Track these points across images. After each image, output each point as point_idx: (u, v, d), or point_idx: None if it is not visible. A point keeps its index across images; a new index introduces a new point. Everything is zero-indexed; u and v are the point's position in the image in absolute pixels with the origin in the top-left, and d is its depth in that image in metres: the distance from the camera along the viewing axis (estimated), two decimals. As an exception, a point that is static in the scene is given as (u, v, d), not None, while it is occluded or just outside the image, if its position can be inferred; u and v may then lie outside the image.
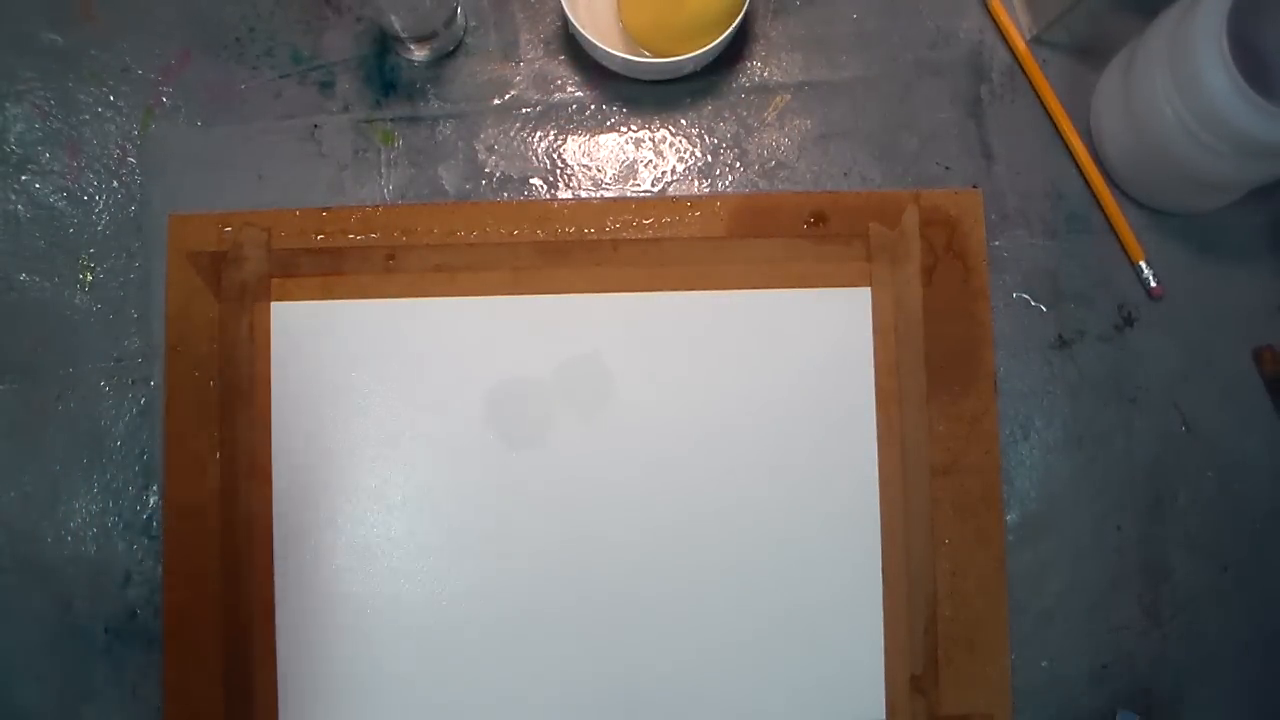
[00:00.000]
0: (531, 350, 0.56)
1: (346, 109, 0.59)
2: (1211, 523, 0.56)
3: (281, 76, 0.59)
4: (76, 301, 0.58)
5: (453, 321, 0.56)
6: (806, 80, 0.59)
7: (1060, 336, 0.57)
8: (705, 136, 0.59)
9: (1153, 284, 0.56)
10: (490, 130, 0.59)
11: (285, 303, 0.57)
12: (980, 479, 0.55)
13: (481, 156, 0.59)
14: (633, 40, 0.58)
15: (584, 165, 0.59)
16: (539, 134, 0.59)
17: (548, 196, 0.58)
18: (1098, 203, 0.57)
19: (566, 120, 0.59)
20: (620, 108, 0.59)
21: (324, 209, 0.57)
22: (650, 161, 0.59)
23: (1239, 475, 0.56)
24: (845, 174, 0.58)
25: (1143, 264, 0.57)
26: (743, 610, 0.55)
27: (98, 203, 0.58)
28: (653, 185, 0.58)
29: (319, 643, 0.55)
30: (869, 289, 0.56)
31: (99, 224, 0.58)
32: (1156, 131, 0.51)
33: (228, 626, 0.55)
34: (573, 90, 0.59)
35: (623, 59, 0.54)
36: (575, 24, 0.54)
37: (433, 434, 0.56)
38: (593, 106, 0.59)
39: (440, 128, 0.59)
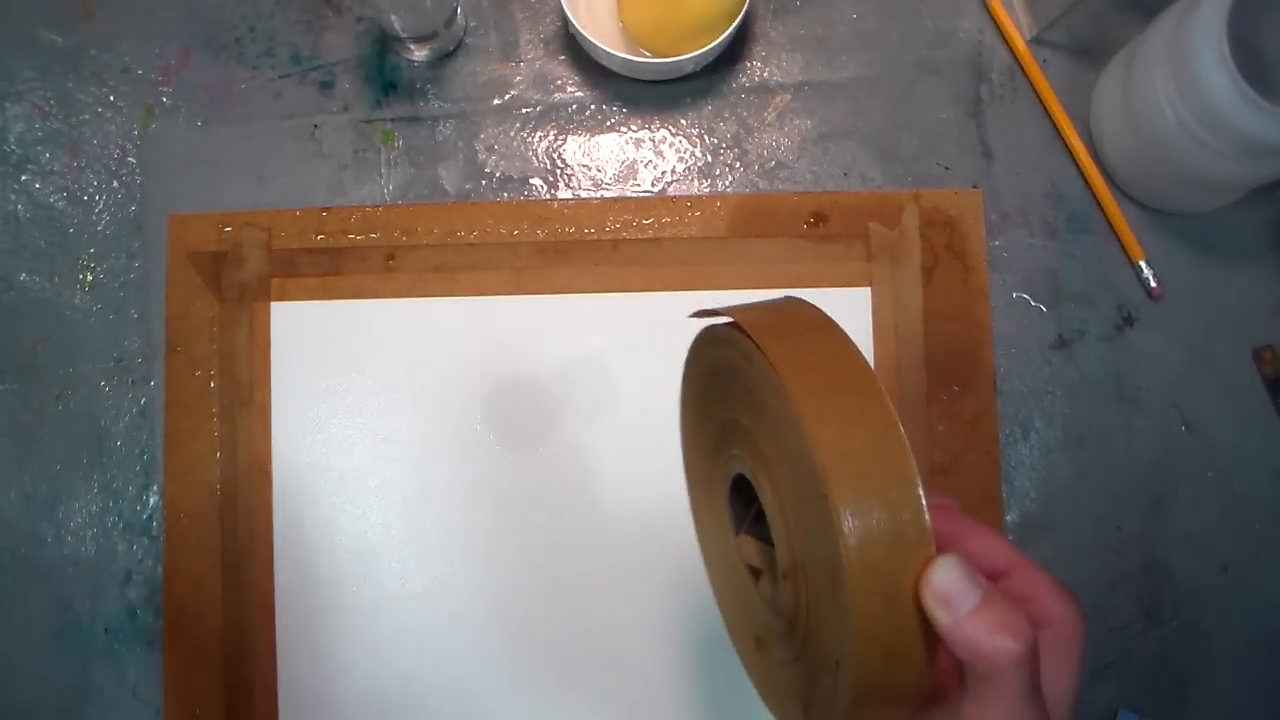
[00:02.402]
0: (531, 350, 0.56)
1: (346, 109, 0.59)
2: (1211, 523, 0.56)
3: (281, 76, 0.59)
4: (76, 301, 0.58)
5: (453, 321, 0.56)
6: (806, 80, 0.59)
7: (1060, 336, 0.57)
8: (705, 136, 0.59)
9: (1153, 284, 0.56)
10: (490, 130, 0.59)
11: (285, 303, 0.57)
12: (980, 479, 0.55)
13: (481, 156, 0.59)
14: (633, 40, 0.58)
15: (584, 165, 0.59)
16: (539, 134, 0.59)
17: (548, 196, 0.58)
18: (1098, 203, 0.57)
19: (566, 120, 0.59)
20: (620, 108, 0.59)
21: (324, 209, 0.57)
22: (650, 161, 0.59)
23: (1239, 475, 0.56)
24: (845, 174, 0.58)
25: (1143, 264, 0.57)
26: (743, 610, 0.55)
27: (98, 203, 0.58)
28: (653, 185, 0.58)
29: (319, 643, 0.55)
30: (869, 289, 0.56)
31: (99, 224, 0.58)
32: (1156, 131, 0.51)
33: (227, 626, 0.55)
34: (573, 90, 0.59)
35: (623, 59, 0.54)
36: (575, 24, 0.54)
37: (433, 434, 0.56)
38: (593, 106, 0.59)
39: (440, 128, 0.59)
